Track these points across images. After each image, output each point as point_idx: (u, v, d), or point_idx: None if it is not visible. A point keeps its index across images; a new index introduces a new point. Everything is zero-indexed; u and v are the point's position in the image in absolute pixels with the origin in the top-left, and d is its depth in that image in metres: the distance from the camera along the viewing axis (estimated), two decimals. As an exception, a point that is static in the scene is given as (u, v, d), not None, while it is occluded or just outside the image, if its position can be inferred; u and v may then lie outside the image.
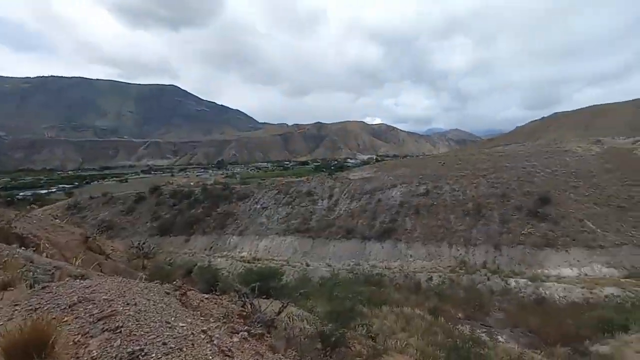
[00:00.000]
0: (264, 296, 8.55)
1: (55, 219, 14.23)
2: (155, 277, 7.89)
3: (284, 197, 42.81)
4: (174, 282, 5.03)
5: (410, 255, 27.83)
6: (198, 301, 4.90)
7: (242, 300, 5.62)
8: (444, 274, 24.37)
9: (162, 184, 61.17)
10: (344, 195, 39.00)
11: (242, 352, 2.78)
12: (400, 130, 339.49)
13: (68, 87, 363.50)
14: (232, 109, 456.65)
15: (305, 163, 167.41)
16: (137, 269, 12.22)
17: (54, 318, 2.31)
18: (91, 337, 2.22)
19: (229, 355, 2.27)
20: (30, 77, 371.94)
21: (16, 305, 3.28)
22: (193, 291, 5.42)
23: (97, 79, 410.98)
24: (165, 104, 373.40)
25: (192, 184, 64.62)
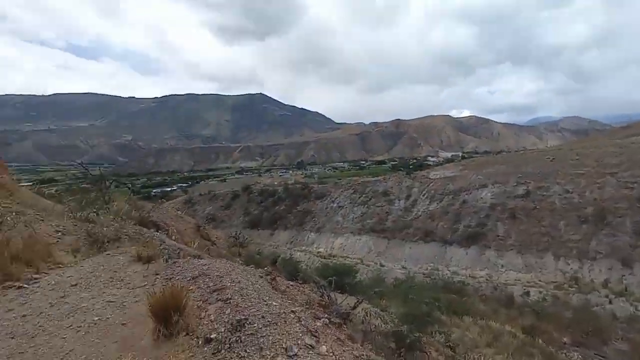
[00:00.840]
0: (339, 291, 8.82)
1: (177, 211, 17.04)
2: (249, 263, 8.87)
3: (359, 197, 42.89)
4: (265, 268, 5.58)
5: (502, 265, 24.80)
6: (285, 287, 5.35)
7: (320, 291, 5.95)
8: (545, 289, 20.86)
9: (251, 183, 67.14)
10: (423, 195, 37.06)
11: (325, 335, 3.04)
12: (495, 122, 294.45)
13: (181, 103, 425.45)
14: (310, 111, 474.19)
15: (382, 162, 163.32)
16: (234, 255, 13.82)
17: (184, 287, 2.92)
18: (209, 304, 2.76)
19: (315, 336, 2.54)
20: (157, 97, 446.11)
21: (157, 274, 4.18)
22: (280, 277, 5.93)
23: (203, 94, 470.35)
24: (254, 111, 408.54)
25: (275, 183, 69.38)
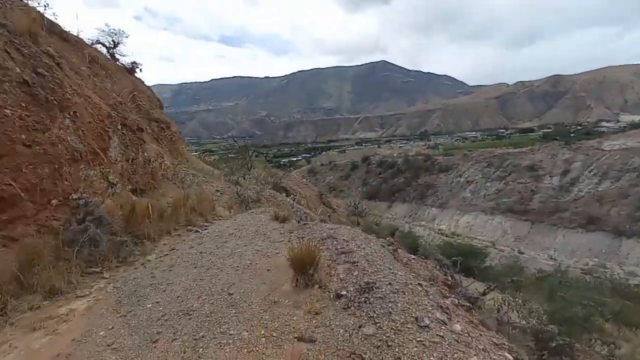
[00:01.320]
0: (463, 273, 8.13)
1: (302, 179, 19.03)
2: (367, 232, 9.17)
3: (495, 171, 37.52)
4: (387, 239, 5.57)
5: None
6: (407, 259, 5.25)
7: (444, 270, 5.62)
8: None
9: (370, 154, 67.55)
10: (589, 171, 29.29)
11: (457, 315, 2.89)
12: None
13: (307, 78, 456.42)
14: (438, 75, 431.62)
15: (528, 130, 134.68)
16: (353, 224, 14.50)
17: (316, 245, 3.24)
18: (337, 264, 2.99)
19: (446, 313, 2.45)
20: (287, 74, 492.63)
21: (291, 232, 4.80)
22: (401, 250, 5.84)
23: (326, 68, 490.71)
24: (375, 80, 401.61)
25: (395, 154, 67.73)
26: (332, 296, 2.71)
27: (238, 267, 3.75)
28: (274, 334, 2.46)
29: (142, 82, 12.10)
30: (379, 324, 2.27)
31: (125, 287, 3.58)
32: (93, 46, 9.88)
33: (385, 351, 2.07)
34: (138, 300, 3.25)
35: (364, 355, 2.03)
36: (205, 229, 5.96)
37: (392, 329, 2.22)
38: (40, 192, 4.28)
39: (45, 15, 6.39)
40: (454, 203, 37.70)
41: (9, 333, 2.74)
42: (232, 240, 4.87)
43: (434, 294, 2.98)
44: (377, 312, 2.37)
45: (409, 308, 2.42)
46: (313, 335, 2.32)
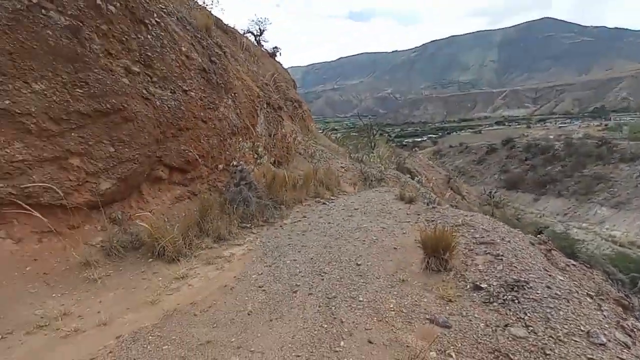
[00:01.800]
0: None
1: (429, 160, 17.99)
2: (507, 226, 7.99)
3: None
4: (538, 236, 4.78)
5: None
6: (564, 264, 4.40)
7: (616, 287, 4.50)
8: None
9: (515, 136, 57.55)
10: None
11: None
12: None
13: (440, 48, 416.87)
14: (631, 30, 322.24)
15: None
16: (486, 215, 12.91)
17: (450, 231, 3.04)
18: (476, 254, 2.74)
19: (630, 335, 1.95)
20: (417, 47, 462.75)
21: (418, 215, 4.65)
22: (557, 252, 4.91)
23: (464, 34, 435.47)
24: (531, 44, 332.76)
25: (551, 137, 55.56)
26: (468, 286, 2.53)
27: (364, 241, 3.92)
28: (404, 310, 2.50)
29: (281, 64, 13.60)
30: (531, 328, 1.99)
31: (269, 243, 4.26)
32: (245, 35, 11.59)
33: (541, 359, 1.81)
34: (279, 256, 3.84)
35: (512, 357, 1.82)
36: (332, 202, 6.41)
37: (550, 337, 1.91)
38: (211, 159, 5.44)
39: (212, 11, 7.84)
40: (637, 204, 28.69)
41: (194, 263, 3.68)
42: (357, 215, 5.08)
43: (609, 311, 2.39)
44: (529, 314, 2.07)
45: (575, 319, 2.02)
46: (447, 321, 2.23)
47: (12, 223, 3.26)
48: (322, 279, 3.12)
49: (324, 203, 6.33)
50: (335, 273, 3.21)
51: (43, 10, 3.20)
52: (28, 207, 3.17)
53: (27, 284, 2.99)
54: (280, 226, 4.95)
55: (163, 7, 4.91)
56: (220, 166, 5.59)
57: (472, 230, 3.34)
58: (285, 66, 14.44)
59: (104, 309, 2.77)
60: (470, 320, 2.25)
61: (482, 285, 2.45)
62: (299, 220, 5.11)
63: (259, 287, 3.08)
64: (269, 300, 2.84)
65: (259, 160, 5.88)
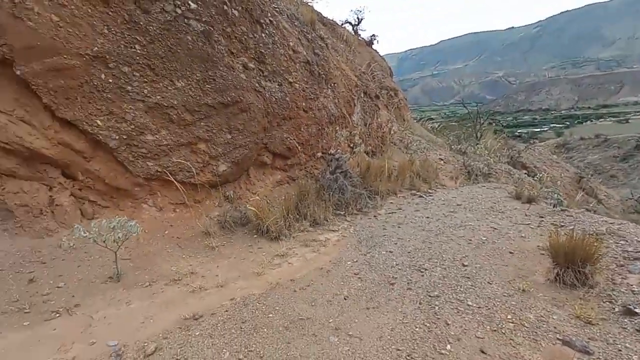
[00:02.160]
0: None
1: (552, 155, 15.33)
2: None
3: None
4: None
5: None
6: None
7: None
8: None
9: (685, 127, 44.36)
10: None
11: None
12: None
13: (570, 21, 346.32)
14: None
15: None
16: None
17: (590, 240, 2.54)
18: (628, 271, 2.24)
19: None
20: (540, 21, 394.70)
21: (541, 217, 4.04)
22: None
23: (606, 0, 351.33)
24: None
25: None
26: (617, 309, 2.09)
27: (470, 240, 3.62)
28: (526, 324, 2.23)
29: (377, 52, 13.34)
30: None
31: (363, 232, 4.32)
32: (342, 25, 11.70)
33: None
34: (374, 246, 3.88)
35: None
36: (430, 196, 6.10)
37: None
38: (310, 147, 5.75)
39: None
40: None
41: (292, 243, 4.00)
42: (460, 211, 4.71)
43: None
44: None
45: None
46: (587, 347, 1.90)
47: (157, 195, 4.07)
48: (422, 275, 3.03)
49: (420, 196, 6.08)
50: (437, 271, 3.08)
51: (185, 20, 3.83)
52: (173, 180, 3.91)
53: (165, 245, 3.71)
54: (374, 216, 4.96)
55: (276, 6, 5.32)
56: (318, 154, 5.86)
57: (622, 242, 2.73)
58: (382, 54, 14.14)
59: (221, 273, 3.25)
60: (620, 350, 1.88)
61: (637, 310, 1.99)
62: (394, 212, 5.02)
63: (355, 274, 3.16)
64: (364, 288, 2.90)
65: (354, 149, 5.95)
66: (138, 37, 3.55)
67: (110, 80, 3.43)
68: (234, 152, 4.47)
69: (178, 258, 3.48)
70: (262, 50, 4.77)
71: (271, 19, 5.04)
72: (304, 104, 5.50)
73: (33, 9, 3.00)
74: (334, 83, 6.39)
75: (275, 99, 4.95)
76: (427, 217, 4.64)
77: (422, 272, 3.10)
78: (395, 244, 3.84)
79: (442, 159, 9.42)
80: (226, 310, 2.65)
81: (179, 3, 3.82)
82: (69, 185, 3.52)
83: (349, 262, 3.48)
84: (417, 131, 11.70)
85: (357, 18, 12.88)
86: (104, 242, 2.88)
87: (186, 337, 2.32)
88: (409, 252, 3.56)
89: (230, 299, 2.82)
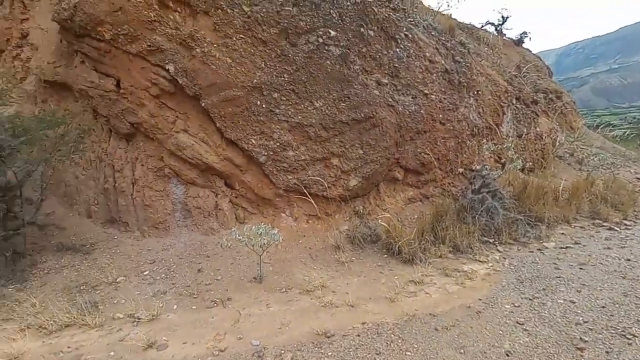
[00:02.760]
0: None
1: None
2: None
3: None
4: None
5: None
6: None
7: None
8: None
9: None
10: None
11: None
12: None
13: None
14: None
15: None
16: None
17: None
18: None
19: None
20: None
21: None
22: None
23: None
24: None
25: None
26: None
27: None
28: None
29: (530, 51, 11.27)
30: None
31: (524, 268, 3.58)
32: (482, 28, 10.40)
33: None
34: (544, 290, 3.13)
35: None
36: (627, 229, 4.68)
37: None
38: (447, 162, 5.24)
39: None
40: None
41: (429, 270, 3.62)
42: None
43: None
44: None
45: None
46: None
47: (293, 205, 4.44)
48: (630, 344, 2.25)
49: (610, 228, 4.71)
50: (654, 340, 2.22)
51: (326, 47, 4.13)
52: (307, 193, 4.22)
53: (299, 254, 3.97)
54: (539, 249, 4.08)
55: (411, 19, 5.17)
56: (458, 170, 5.27)
57: None
58: (534, 52, 11.89)
59: (351, 292, 3.20)
60: None
61: None
62: (569, 247, 4.03)
63: (518, 323, 2.61)
64: (535, 345, 2.34)
65: (510, 165, 5.07)
66: (287, 67, 4.02)
67: (264, 106, 3.98)
68: (365, 167, 4.48)
69: (310, 269, 3.66)
70: (396, 65, 4.67)
71: (406, 33, 4.90)
72: (440, 115, 5.08)
73: (215, 56, 3.79)
74: (478, 90, 5.68)
75: (409, 112, 4.74)
76: (628, 260, 3.55)
77: (628, 339, 2.31)
78: (579, 292, 3.03)
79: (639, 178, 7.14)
80: (358, 335, 2.55)
81: (320, 33, 4.14)
82: (228, 193, 4.24)
83: (507, 306, 2.90)
84: (594, 142, 9.22)
85: (502, 17, 11.32)
86: (252, 245, 3.29)
87: (318, 355, 2.33)
88: (602, 307, 2.76)
89: (361, 322, 2.72)
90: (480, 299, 2.98)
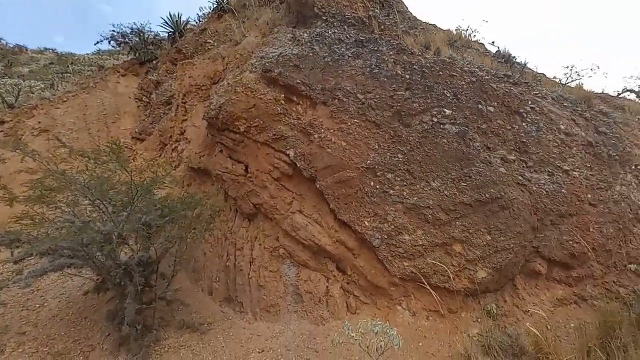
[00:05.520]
0: None
1: None
2: None
3: None
4: None
5: None
6: None
7: None
8: None
9: None
10: None
11: None
12: None
13: None
14: None
15: None
16: None
17: None
18: None
19: None
20: None
21: None
22: None
23: None
24: None
25: None
26: None
27: None
28: None
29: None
30: None
31: None
32: (620, 97, 8.95)
33: None
34: None
35: None
36: None
37: None
38: (606, 253, 4.03)
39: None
40: None
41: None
42: None
43: None
44: None
45: None
46: None
47: (411, 297, 3.81)
48: None
49: None
50: None
51: (441, 126, 3.92)
52: (426, 284, 3.60)
53: (423, 361, 3.21)
54: None
55: (537, 92, 4.69)
56: (624, 264, 3.98)
57: None
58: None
59: None
60: None
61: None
62: None
63: None
64: None
65: None
66: (400, 148, 3.88)
67: (377, 187, 3.80)
68: (495, 256, 3.70)
69: (436, 385, 2.89)
70: (524, 140, 4.10)
71: (532, 106, 4.40)
72: (589, 195, 4.10)
73: (331, 140, 3.92)
74: (636, 165, 4.54)
75: (547, 192, 3.94)
76: None
77: None
78: None
79: None
80: None
81: (435, 113, 4.00)
82: (340, 279, 3.92)
83: None
84: None
85: None
86: (367, 347, 2.79)
87: None
88: None
89: None
90: None
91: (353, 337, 2.85)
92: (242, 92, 4.04)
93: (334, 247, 3.83)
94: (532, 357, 3.10)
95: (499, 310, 3.72)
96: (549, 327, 3.45)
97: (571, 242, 3.95)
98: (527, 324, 3.27)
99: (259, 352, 3.22)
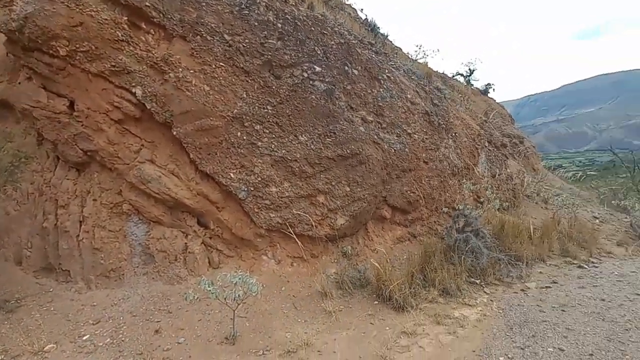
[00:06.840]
0: None
1: None
2: None
3: None
4: None
5: None
6: None
7: None
8: None
9: None
10: None
11: None
12: None
13: None
14: None
15: None
16: None
17: None
18: None
19: None
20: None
21: None
22: None
23: None
24: None
25: None
26: None
27: None
28: None
29: (494, 100, 12.03)
30: None
31: (512, 312, 3.24)
32: (453, 77, 11.02)
33: None
34: (533, 336, 2.78)
35: None
36: (594, 267, 4.52)
37: None
38: (432, 200, 4.93)
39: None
40: None
41: (420, 318, 3.14)
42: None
43: None
44: None
45: None
46: None
47: (276, 246, 3.85)
48: None
49: (580, 266, 4.51)
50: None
51: (311, 82, 3.85)
52: (292, 233, 3.65)
53: (281, 304, 3.32)
54: (522, 290, 3.76)
55: (392, 63, 5.14)
56: (442, 209, 4.97)
57: None
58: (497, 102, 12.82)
59: (339, 350, 2.63)
60: None
61: None
62: (548, 287, 3.79)
63: None
64: None
65: (489, 205, 4.85)
66: (270, 99, 3.67)
67: (244, 137, 3.53)
68: (353, 205, 4.04)
69: (293, 322, 3.02)
70: (381, 104, 4.48)
71: (388, 74, 4.81)
72: (424, 154, 4.86)
73: (191, 82, 3.37)
74: (455, 132, 5.61)
75: (394, 150, 4.47)
76: (603, 300, 3.33)
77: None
78: (565, 337, 2.73)
79: (596, 218, 7.18)
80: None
81: (305, 67, 3.89)
82: (201, 234, 3.59)
83: (501, 358, 2.52)
84: (553, 183, 9.50)
85: (469, 70, 12.19)
86: (224, 299, 2.64)
87: None
88: (590, 355, 2.45)
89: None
90: (474, 351, 2.61)
91: (209, 290, 2.65)
92: (63, 1, 2.97)
93: (194, 200, 3.43)
94: (374, 285, 3.59)
95: (352, 251, 4.14)
96: (388, 260, 4.03)
97: (409, 192, 4.65)
98: (372, 260, 3.72)
99: (93, 324, 2.68)
